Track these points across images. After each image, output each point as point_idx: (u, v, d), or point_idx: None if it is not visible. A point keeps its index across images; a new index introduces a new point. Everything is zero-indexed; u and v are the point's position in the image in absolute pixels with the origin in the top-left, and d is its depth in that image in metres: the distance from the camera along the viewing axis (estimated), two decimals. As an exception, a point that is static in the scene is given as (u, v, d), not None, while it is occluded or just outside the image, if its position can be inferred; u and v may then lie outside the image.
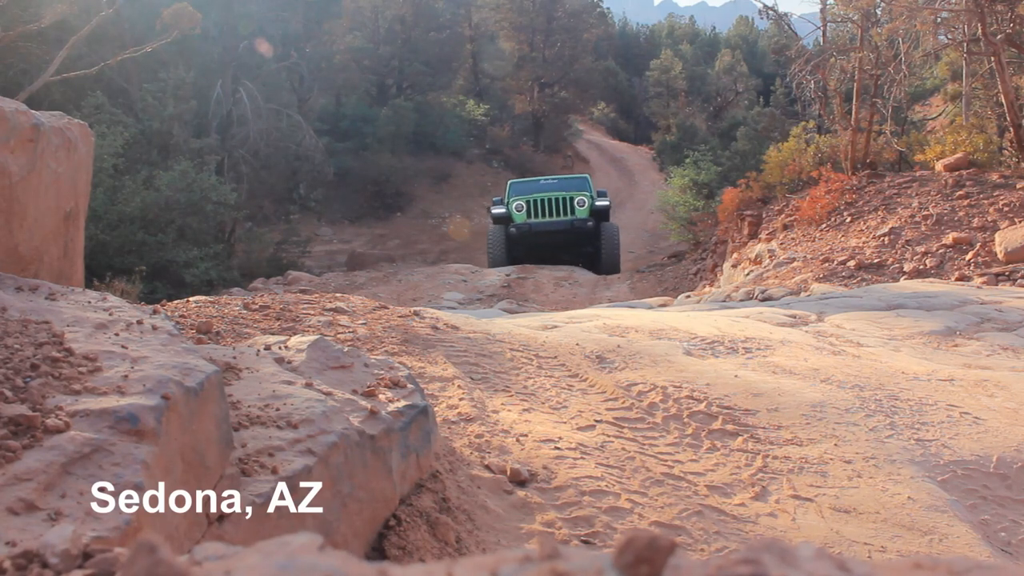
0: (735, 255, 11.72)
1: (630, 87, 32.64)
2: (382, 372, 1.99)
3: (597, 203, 15.03)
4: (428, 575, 0.48)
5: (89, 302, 1.69)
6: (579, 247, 15.27)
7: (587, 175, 17.39)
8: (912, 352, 3.61)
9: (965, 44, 11.58)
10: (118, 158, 12.31)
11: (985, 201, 9.39)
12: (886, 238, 9.15)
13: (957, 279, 7.25)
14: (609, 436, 2.37)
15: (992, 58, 10.31)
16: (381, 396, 1.85)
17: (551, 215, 14.71)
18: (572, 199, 14.76)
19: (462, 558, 0.64)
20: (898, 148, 12.37)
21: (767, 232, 11.48)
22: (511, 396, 2.63)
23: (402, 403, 1.84)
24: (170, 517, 1.17)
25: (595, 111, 32.72)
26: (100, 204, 11.07)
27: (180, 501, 1.21)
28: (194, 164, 13.53)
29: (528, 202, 14.90)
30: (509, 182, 16.85)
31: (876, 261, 8.55)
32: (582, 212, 14.71)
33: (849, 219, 10.19)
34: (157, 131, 14.34)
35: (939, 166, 10.73)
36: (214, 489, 1.31)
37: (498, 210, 15.46)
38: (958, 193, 9.72)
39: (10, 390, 1.20)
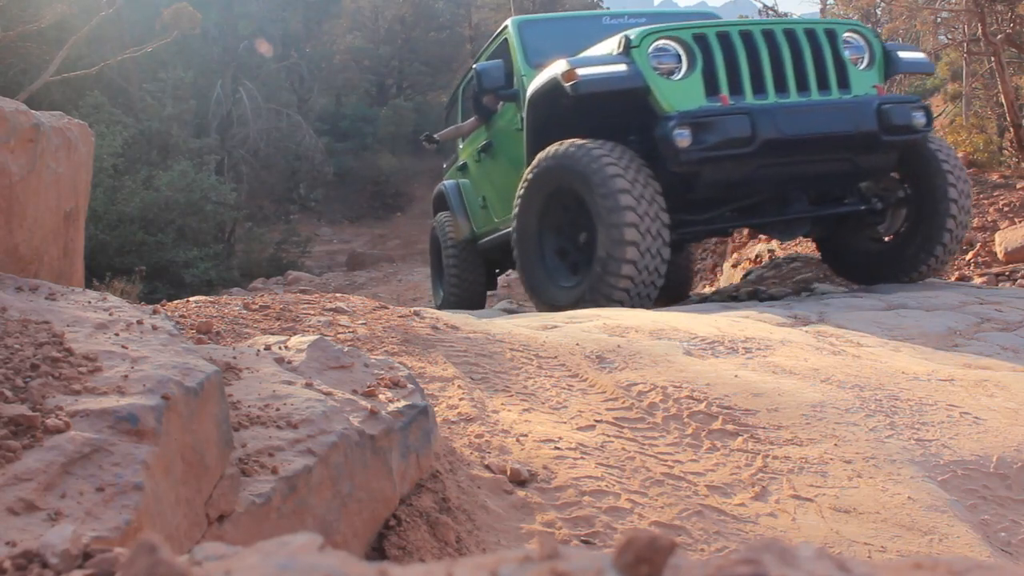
0: (735, 255, 11.71)
1: (630, 87, 32.61)
2: (382, 372, 1.99)
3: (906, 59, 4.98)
4: (428, 575, 0.48)
5: (89, 302, 1.69)
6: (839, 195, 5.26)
7: None
8: (912, 352, 3.61)
9: (965, 44, 11.58)
10: (118, 158, 12.32)
11: (985, 201, 9.38)
12: (886, 238, 9.14)
13: (957, 279, 7.24)
14: (609, 436, 2.36)
15: (992, 58, 10.30)
16: (381, 396, 1.85)
17: (795, 87, 4.60)
18: (834, 35, 4.73)
19: (462, 558, 0.64)
20: (898, 148, 12.34)
21: (767, 232, 11.47)
22: (511, 396, 2.63)
23: (402, 403, 1.84)
24: (170, 517, 1.17)
25: (595, 111, 32.73)
26: (100, 204, 11.08)
27: (180, 501, 1.21)
28: (194, 164, 13.55)
29: (695, 40, 4.57)
30: (514, 22, 6.09)
31: (876, 261, 8.54)
32: (864, 79, 4.79)
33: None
34: (157, 131, 14.36)
35: (939, 166, 10.72)
36: (214, 489, 1.31)
37: (494, 83, 5.47)
38: (958, 193, 9.71)
39: (10, 390, 1.20)
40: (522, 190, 4.91)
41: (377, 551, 1.63)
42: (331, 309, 3.32)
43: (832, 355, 3.38)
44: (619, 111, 4.88)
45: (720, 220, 5.18)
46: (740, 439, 2.42)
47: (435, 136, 7.77)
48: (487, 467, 2.07)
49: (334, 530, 1.49)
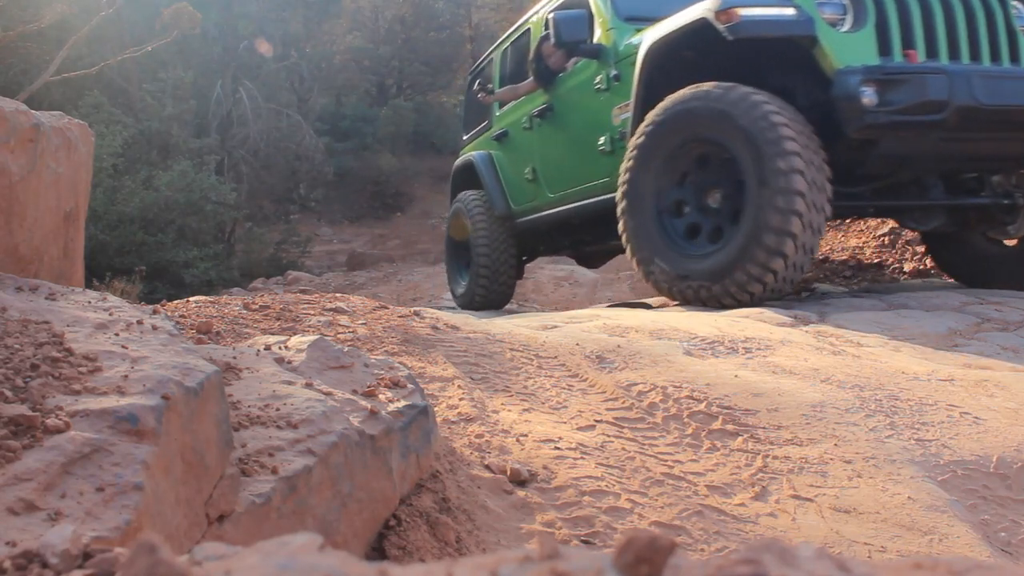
0: (735, 255, 11.71)
1: (630, 87, 32.60)
2: (382, 372, 1.99)
3: None
4: (428, 575, 0.48)
5: (89, 302, 1.69)
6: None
7: None
8: (912, 352, 3.61)
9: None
10: (118, 158, 12.33)
11: (985, 201, 9.38)
12: (886, 238, 9.14)
13: (957, 279, 7.25)
14: (609, 436, 2.37)
15: (992, 58, 10.30)
16: (381, 396, 1.85)
17: (967, 53, 4.01)
18: (1004, 1, 4.11)
19: (462, 558, 0.65)
20: (898, 148, 12.32)
21: (767, 232, 11.49)
22: (511, 396, 2.63)
23: (402, 403, 1.84)
24: (170, 517, 1.17)
25: (595, 111, 32.69)
26: (100, 204, 11.09)
27: (180, 501, 1.21)
28: (194, 164, 13.54)
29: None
30: None
31: (876, 261, 8.55)
32: None
33: (849, 219, 10.18)
34: (157, 131, 14.36)
35: (939, 166, 10.72)
36: (214, 489, 1.31)
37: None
38: (958, 193, 9.71)
39: (10, 390, 1.20)
40: (638, 145, 4.25)
41: (377, 551, 1.63)
42: (331, 309, 3.32)
43: (832, 355, 3.38)
44: (755, 67, 4.23)
45: (860, 199, 4.51)
46: (740, 439, 2.42)
47: (492, 89, 6.65)
48: (487, 467, 2.07)
49: (334, 530, 1.49)
